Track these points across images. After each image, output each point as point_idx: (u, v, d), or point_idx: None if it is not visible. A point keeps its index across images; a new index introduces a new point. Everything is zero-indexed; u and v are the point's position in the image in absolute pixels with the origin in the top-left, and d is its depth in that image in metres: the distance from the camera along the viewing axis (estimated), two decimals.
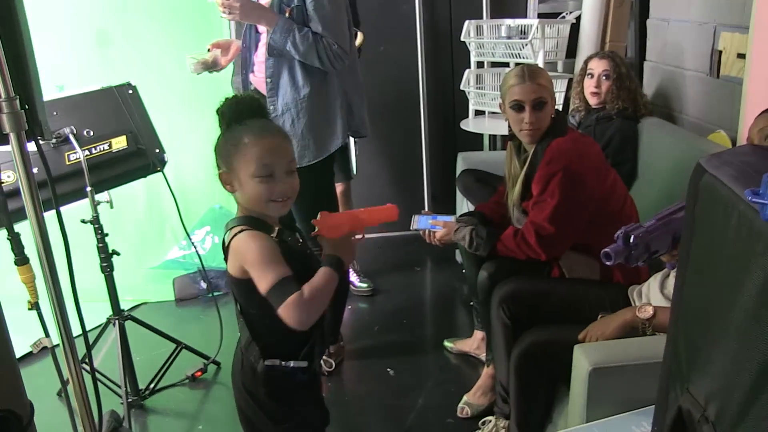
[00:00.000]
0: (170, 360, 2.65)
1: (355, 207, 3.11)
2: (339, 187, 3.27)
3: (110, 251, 2.38)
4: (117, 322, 2.43)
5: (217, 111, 1.48)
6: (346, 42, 2.37)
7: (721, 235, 0.90)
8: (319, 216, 1.49)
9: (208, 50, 2.62)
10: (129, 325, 2.51)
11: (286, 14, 2.31)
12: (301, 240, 1.56)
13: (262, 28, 2.44)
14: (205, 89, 3.68)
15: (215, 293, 3.18)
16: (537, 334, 1.90)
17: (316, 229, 1.48)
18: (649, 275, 2.22)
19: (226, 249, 1.45)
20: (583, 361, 1.59)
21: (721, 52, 2.70)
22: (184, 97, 3.65)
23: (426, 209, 3.99)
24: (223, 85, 3.69)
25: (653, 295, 1.91)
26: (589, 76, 2.88)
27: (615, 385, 1.56)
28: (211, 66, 2.62)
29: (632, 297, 2.01)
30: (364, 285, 3.46)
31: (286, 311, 1.33)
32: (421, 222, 2.47)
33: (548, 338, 1.88)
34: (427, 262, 3.80)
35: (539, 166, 2.19)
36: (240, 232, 1.41)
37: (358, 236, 1.51)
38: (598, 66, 2.85)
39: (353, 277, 3.50)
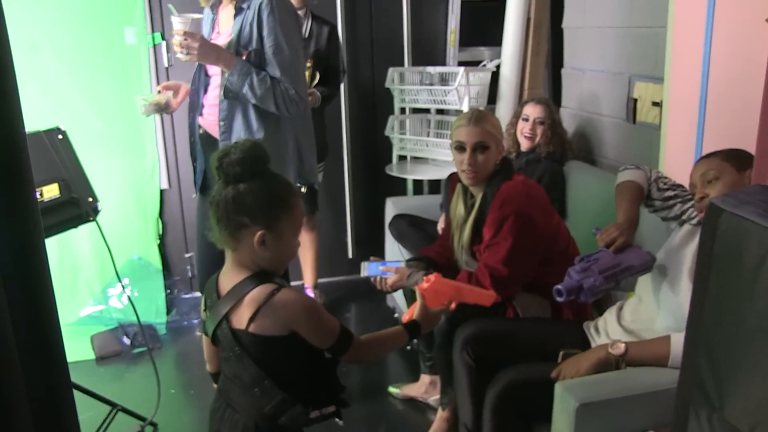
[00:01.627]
0: (105, 424, 2.47)
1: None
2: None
3: None
4: None
5: (219, 169, 1.42)
6: (303, 87, 2.38)
7: (755, 269, 0.97)
8: (433, 276, 1.71)
9: (158, 92, 2.54)
10: None
11: (243, 57, 2.29)
12: None
13: (212, 71, 2.40)
14: (124, 134, 3.56)
15: (147, 347, 3.01)
16: (512, 373, 1.93)
17: (422, 284, 1.68)
18: (593, 311, 2.35)
19: (257, 308, 1.40)
20: (568, 397, 1.63)
21: (636, 100, 2.93)
22: (100, 142, 3.49)
23: (351, 255, 4.00)
24: (141, 130, 3.58)
25: (611, 328, 2.00)
26: (524, 119, 3.02)
27: (602, 418, 1.62)
28: (164, 108, 2.54)
29: (589, 332, 2.10)
30: None
31: (352, 358, 1.49)
32: (371, 269, 2.47)
33: (525, 377, 1.92)
34: (355, 307, 3.78)
35: (490, 209, 2.25)
36: (278, 289, 1.41)
37: (452, 308, 1.77)
38: (533, 111, 3.00)
39: None
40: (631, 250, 1.84)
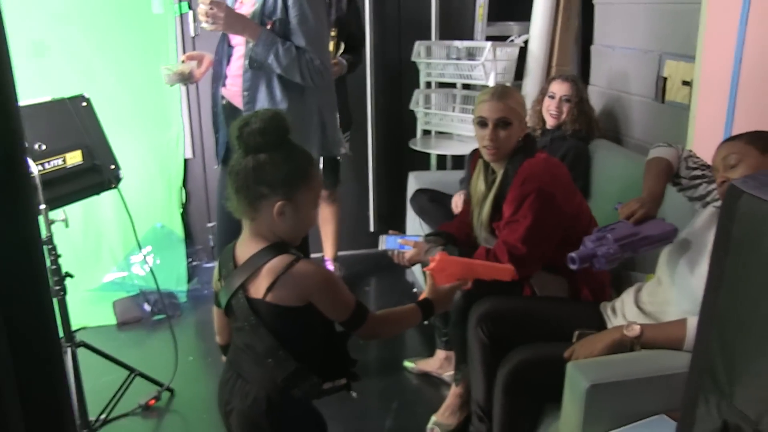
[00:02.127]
0: (123, 388, 2.52)
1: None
2: (324, 193, 3.38)
3: (64, 273, 2.25)
4: (70, 349, 2.29)
5: (239, 139, 1.41)
6: (328, 58, 2.37)
7: None
8: (437, 255, 1.63)
9: (182, 62, 2.55)
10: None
11: (268, 27, 2.28)
12: None
13: (235, 41, 2.40)
14: (149, 103, 3.58)
15: (166, 314, 3.06)
16: (524, 352, 1.92)
17: (430, 265, 1.63)
18: (612, 292, 2.32)
19: (276, 277, 1.40)
20: (579, 377, 1.62)
21: (666, 78, 2.86)
22: (125, 111, 3.51)
23: (372, 228, 4.00)
24: (166, 99, 3.59)
25: (629, 310, 1.97)
26: (550, 97, 2.97)
27: (612, 400, 1.60)
28: (187, 78, 2.54)
29: (606, 313, 2.07)
30: None
31: (367, 332, 1.49)
32: (389, 242, 2.46)
33: (537, 356, 1.91)
34: (374, 281, 3.79)
35: (511, 187, 2.23)
36: (296, 260, 1.41)
37: (467, 286, 1.69)
38: (560, 89, 2.95)
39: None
40: (652, 221, 1.81)
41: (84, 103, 2.39)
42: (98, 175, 2.36)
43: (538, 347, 1.94)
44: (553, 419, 1.83)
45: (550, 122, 2.98)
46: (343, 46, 3.29)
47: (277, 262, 1.41)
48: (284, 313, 1.41)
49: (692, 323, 1.67)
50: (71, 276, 2.28)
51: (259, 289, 1.41)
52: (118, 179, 2.44)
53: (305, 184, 1.43)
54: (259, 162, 1.39)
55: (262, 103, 2.38)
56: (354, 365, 1.61)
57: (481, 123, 2.26)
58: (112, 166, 2.42)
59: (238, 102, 2.42)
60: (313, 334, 1.48)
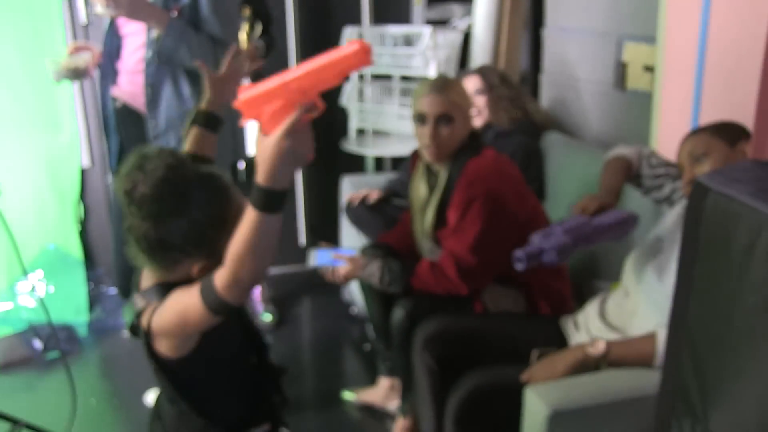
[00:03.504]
0: None
1: None
2: None
3: None
4: None
5: (130, 206, 1.31)
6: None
7: (744, 257, 0.94)
8: (239, 94, 1.19)
9: (69, 54, 2.44)
10: None
11: (175, 13, 2.22)
12: None
13: (127, 30, 2.32)
14: (34, 102, 3.44)
15: (59, 352, 2.94)
16: (477, 377, 1.91)
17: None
18: (574, 304, 2.33)
19: (146, 332, 1.32)
20: (538, 404, 1.61)
21: (625, 64, 2.90)
22: (3, 111, 3.37)
23: (303, 241, 3.95)
24: (55, 98, 3.47)
25: (593, 324, 1.98)
26: None
27: (577, 428, 1.60)
28: (82, 73, 2.43)
29: (567, 329, 2.08)
30: (269, 317, 3.41)
31: (229, 294, 1.17)
32: (321, 257, 2.42)
33: (491, 382, 1.89)
34: (307, 302, 3.73)
35: (456, 190, 2.22)
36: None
37: (312, 113, 1.16)
38: (467, 85, 2.95)
39: (257, 301, 3.45)
40: (608, 212, 1.83)
41: None
42: None
43: (492, 371, 1.93)
44: None
45: (476, 122, 2.97)
46: (260, 27, 3.22)
47: (148, 314, 1.33)
48: (170, 365, 1.35)
49: (662, 337, 1.68)
50: None
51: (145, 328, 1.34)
52: None
53: (225, 230, 1.27)
54: (159, 229, 1.29)
55: (168, 101, 2.31)
56: (284, 406, 1.57)
57: (420, 119, 2.25)
58: None
59: (138, 102, 2.34)
60: (215, 380, 1.42)
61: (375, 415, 2.71)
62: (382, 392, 2.71)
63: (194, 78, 2.30)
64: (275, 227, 1.15)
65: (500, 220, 2.19)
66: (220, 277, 1.17)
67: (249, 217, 1.13)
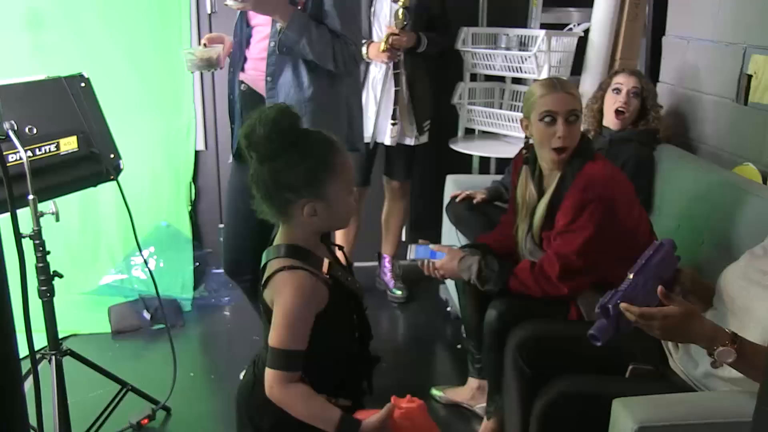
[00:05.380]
0: (113, 404, 2.53)
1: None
2: (394, 184, 3.64)
3: (51, 273, 2.28)
4: (54, 358, 2.31)
5: (249, 149, 1.47)
6: (361, 43, 2.38)
7: None
8: (416, 404, 1.52)
9: (204, 45, 2.55)
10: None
11: (299, 7, 2.30)
12: (350, 276, 1.63)
13: (255, 21, 2.42)
14: (158, 87, 3.61)
15: (165, 325, 3.08)
16: (566, 383, 1.88)
17: (400, 402, 1.51)
18: None
19: (268, 277, 1.50)
20: (625, 417, 1.57)
21: (750, 76, 2.78)
22: (130, 95, 3.57)
23: (404, 238, 3.98)
24: (178, 84, 3.63)
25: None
26: (615, 91, 2.91)
27: None
28: (214, 64, 2.54)
29: (666, 346, 2.01)
30: (399, 292, 3.71)
31: (271, 378, 1.45)
32: (419, 251, 2.44)
33: (580, 389, 1.86)
34: (405, 297, 3.76)
35: (569, 193, 2.20)
36: (288, 268, 1.47)
37: None
38: (627, 82, 2.89)
39: (388, 277, 3.74)
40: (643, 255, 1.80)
41: (83, 84, 2.41)
42: (95, 164, 2.38)
43: (582, 379, 1.90)
44: None
45: (613, 121, 2.90)
46: (406, 15, 3.27)
47: (274, 263, 1.50)
48: (270, 314, 1.50)
49: None
50: (60, 276, 2.30)
51: (264, 282, 1.52)
52: (118, 170, 2.46)
53: (330, 176, 1.48)
54: (274, 169, 1.46)
55: (287, 89, 2.38)
56: (366, 393, 1.65)
57: (549, 118, 2.22)
58: (112, 156, 2.44)
59: (260, 87, 2.43)
60: (316, 345, 1.51)
61: (461, 414, 2.72)
62: (470, 392, 2.71)
63: (314, 68, 2.36)
64: None
65: (610, 227, 2.17)
66: (275, 385, 1.45)
67: (329, 417, 1.43)
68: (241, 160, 2.55)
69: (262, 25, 2.41)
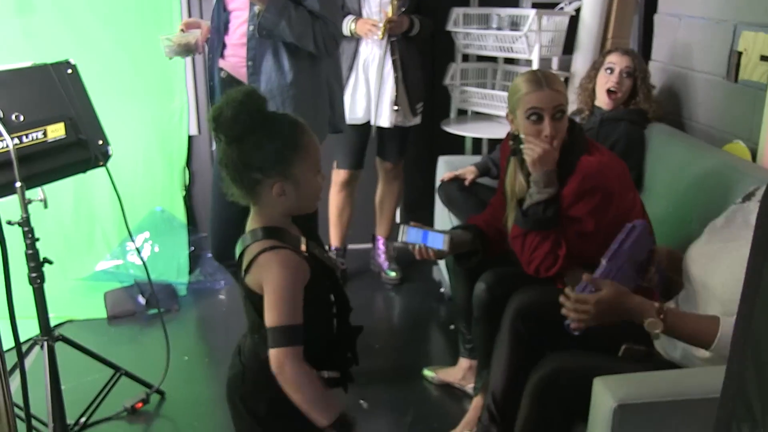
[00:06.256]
0: (107, 389, 2.55)
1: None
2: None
3: (41, 259, 2.29)
4: (46, 343, 2.32)
5: (216, 131, 1.49)
6: (341, 23, 2.37)
7: None
8: None
9: (181, 30, 2.55)
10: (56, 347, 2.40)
11: None
12: (325, 252, 1.66)
13: (233, 5, 2.40)
14: (150, 71, 3.61)
15: (158, 310, 3.10)
16: (562, 359, 1.90)
17: None
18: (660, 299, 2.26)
19: (249, 261, 1.51)
20: (605, 396, 1.58)
21: (741, 53, 2.76)
22: (122, 79, 3.57)
23: (398, 220, 3.98)
24: (169, 68, 3.62)
25: None
26: (608, 71, 2.90)
27: (642, 424, 1.56)
28: (193, 49, 2.54)
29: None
30: (393, 274, 3.72)
31: (279, 357, 1.45)
32: (410, 234, 2.41)
33: (575, 366, 1.87)
34: (399, 279, 3.78)
35: (566, 185, 2.19)
36: (269, 248, 1.49)
37: None
38: (620, 61, 2.88)
39: (382, 259, 3.75)
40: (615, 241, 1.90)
41: (69, 70, 2.41)
42: (83, 151, 2.38)
43: (578, 356, 1.91)
44: None
45: (605, 102, 2.90)
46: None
47: (253, 247, 1.51)
48: (256, 298, 1.51)
49: (726, 323, 1.64)
50: (50, 262, 2.31)
51: (243, 267, 1.54)
52: (106, 156, 2.46)
53: (298, 155, 1.51)
54: (242, 150, 1.48)
55: (269, 74, 2.38)
56: (352, 364, 1.68)
57: (536, 116, 2.18)
58: (100, 142, 2.44)
59: (241, 74, 2.42)
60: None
61: (452, 393, 2.74)
62: (461, 372, 2.73)
63: (295, 51, 2.36)
64: None
65: (603, 216, 2.18)
66: (280, 363, 1.45)
67: (327, 406, 1.48)
68: None
69: (240, 10, 2.39)
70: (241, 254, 1.56)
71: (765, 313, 1.03)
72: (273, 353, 1.45)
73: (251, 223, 1.57)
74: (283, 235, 1.54)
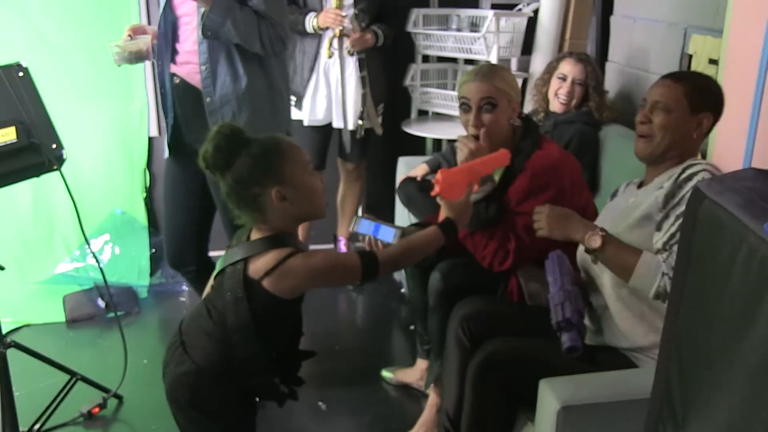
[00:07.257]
0: (62, 394, 2.53)
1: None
2: (349, 166, 3.65)
3: None
4: None
5: (208, 169, 1.60)
6: (287, 23, 2.36)
7: (726, 267, 0.93)
8: (438, 174, 1.82)
9: (129, 36, 2.52)
10: (9, 353, 2.37)
11: None
12: None
13: (182, 10, 2.38)
14: (108, 72, 3.56)
15: (117, 313, 3.08)
16: (498, 344, 1.94)
17: (436, 189, 1.81)
18: None
19: (273, 266, 1.57)
20: (550, 397, 1.62)
21: (691, 56, 2.81)
22: (81, 83, 3.53)
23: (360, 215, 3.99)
24: (128, 68, 3.58)
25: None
26: (560, 78, 2.94)
27: (586, 424, 1.60)
28: (144, 55, 2.52)
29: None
30: None
31: (385, 272, 1.67)
32: (363, 226, 2.42)
33: (511, 348, 1.92)
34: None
35: (518, 180, 2.23)
36: (293, 253, 1.57)
37: (475, 190, 1.89)
38: (572, 70, 2.92)
39: None
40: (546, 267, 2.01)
41: (21, 73, 2.38)
42: (36, 155, 2.35)
43: (514, 340, 1.96)
44: None
45: (557, 107, 2.95)
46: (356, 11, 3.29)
47: (279, 252, 1.58)
48: (271, 301, 1.57)
49: (646, 258, 1.72)
50: (2, 268, 2.29)
51: (258, 270, 1.58)
52: (60, 160, 2.43)
53: (284, 160, 1.59)
54: (234, 173, 1.58)
55: (223, 78, 2.36)
56: (300, 383, 1.78)
57: (465, 106, 2.26)
58: (54, 145, 2.42)
59: (196, 80, 2.40)
60: (283, 328, 1.68)
61: (410, 394, 2.76)
62: (419, 373, 2.75)
63: (245, 54, 2.35)
64: (440, 245, 1.75)
65: None
66: (385, 255, 1.66)
67: (434, 235, 1.75)
68: (176, 152, 2.56)
69: (189, 15, 2.37)
70: (236, 263, 1.60)
71: (687, 318, 1.06)
72: (383, 273, 1.67)
73: (255, 234, 1.64)
74: (293, 240, 1.63)
